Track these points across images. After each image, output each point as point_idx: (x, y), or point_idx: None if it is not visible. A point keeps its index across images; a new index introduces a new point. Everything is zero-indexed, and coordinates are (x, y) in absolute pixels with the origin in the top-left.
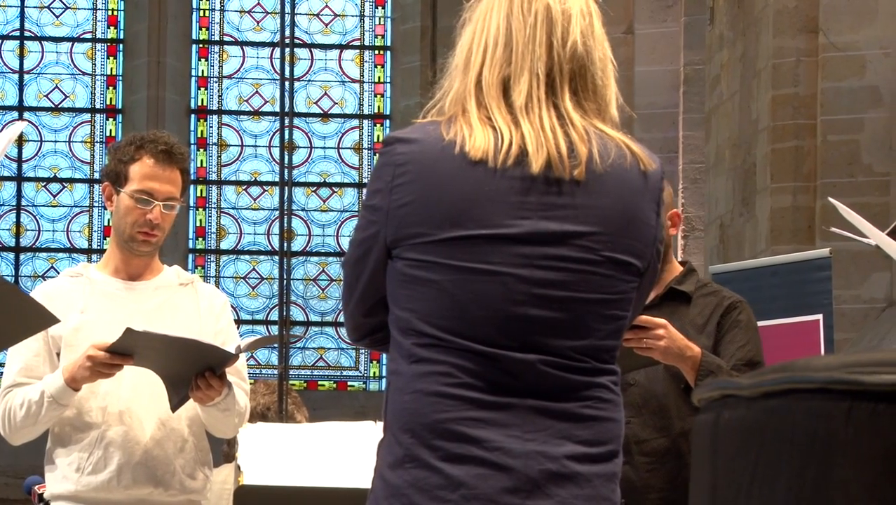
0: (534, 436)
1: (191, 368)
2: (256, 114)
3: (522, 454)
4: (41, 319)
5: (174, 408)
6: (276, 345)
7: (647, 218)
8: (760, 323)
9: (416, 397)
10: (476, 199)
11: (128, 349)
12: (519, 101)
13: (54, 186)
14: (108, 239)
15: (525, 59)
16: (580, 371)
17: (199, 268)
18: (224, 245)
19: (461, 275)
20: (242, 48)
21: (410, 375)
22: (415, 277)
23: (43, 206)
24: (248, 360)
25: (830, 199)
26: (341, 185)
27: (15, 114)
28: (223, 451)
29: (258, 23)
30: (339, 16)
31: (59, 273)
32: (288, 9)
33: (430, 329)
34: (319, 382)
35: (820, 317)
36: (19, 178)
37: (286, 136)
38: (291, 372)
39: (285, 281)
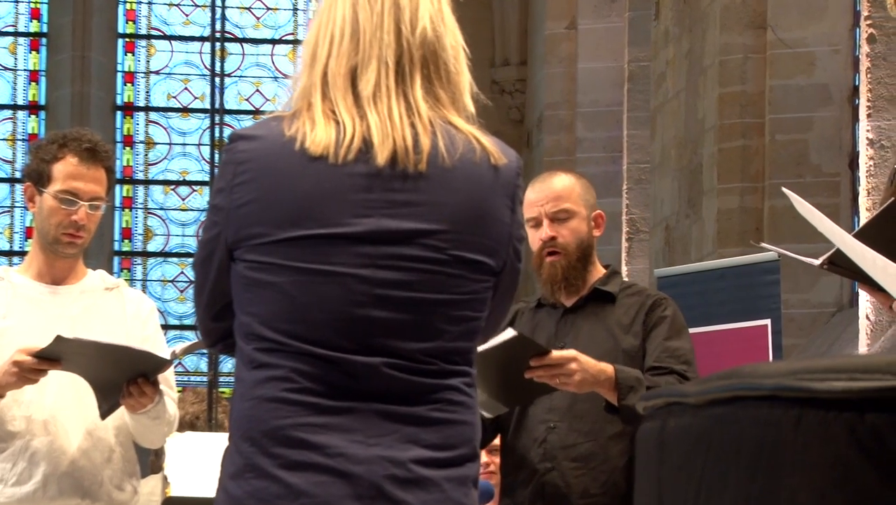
0: (378, 441)
1: (122, 375)
2: (185, 111)
3: (366, 460)
4: None
5: (104, 415)
6: (205, 351)
7: (500, 214)
8: (707, 328)
9: (255, 404)
10: (316, 197)
11: (57, 355)
12: (366, 91)
13: None
14: (29, 241)
15: (373, 47)
16: (427, 373)
17: (125, 271)
18: (151, 247)
19: (301, 276)
20: (171, 42)
21: (251, 381)
22: (255, 279)
23: None
24: (175, 367)
25: (784, 190)
26: None
27: None
28: (150, 461)
29: (187, 16)
30: (271, 9)
31: None
32: (218, 2)
33: (271, 333)
34: None
35: (768, 322)
36: None
37: (216, 134)
38: (221, 379)
39: None
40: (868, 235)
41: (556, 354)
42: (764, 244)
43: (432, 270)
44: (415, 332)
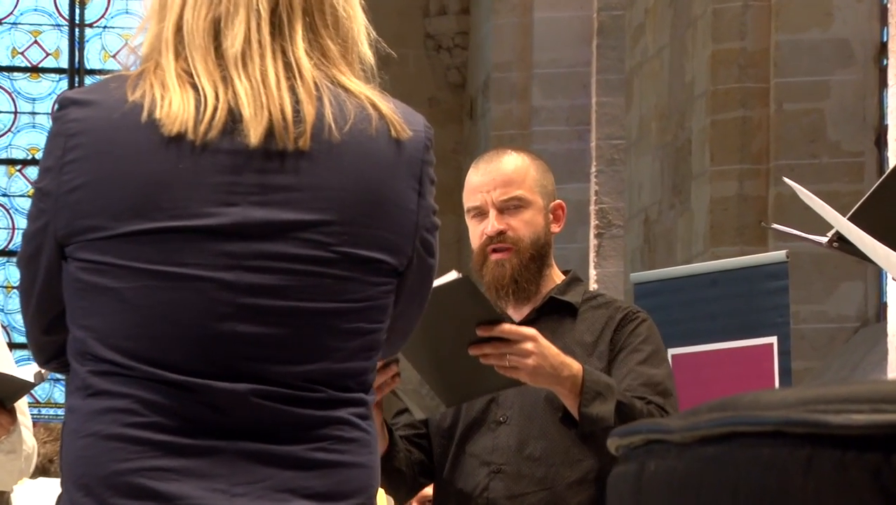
0: (246, 489)
1: None
2: (35, 71)
3: None
4: None
5: None
6: (61, 376)
7: (403, 200)
8: (696, 348)
9: (91, 442)
10: (167, 182)
11: None
12: (233, 49)
13: None
14: None
15: None
16: (310, 403)
17: None
18: None
19: (147, 281)
20: None
21: (86, 412)
22: (90, 284)
23: None
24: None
25: (786, 180)
26: None
27: None
28: None
29: None
30: None
31: None
32: None
33: (109, 353)
34: None
35: (773, 340)
36: None
37: None
38: None
39: None
40: (863, 217)
41: (510, 327)
42: (776, 225)
43: (315, 272)
44: (293, 351)
